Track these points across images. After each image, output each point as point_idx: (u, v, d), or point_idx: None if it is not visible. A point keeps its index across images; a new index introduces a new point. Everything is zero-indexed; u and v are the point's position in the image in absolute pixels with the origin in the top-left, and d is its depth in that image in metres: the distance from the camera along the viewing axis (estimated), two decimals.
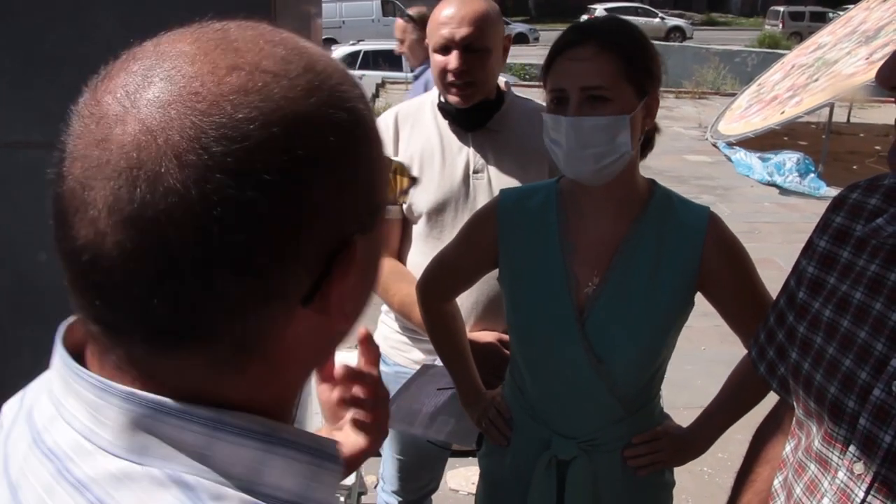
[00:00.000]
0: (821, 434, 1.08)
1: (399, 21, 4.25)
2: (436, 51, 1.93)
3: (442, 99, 2.03)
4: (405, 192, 0.66)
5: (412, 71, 4.39)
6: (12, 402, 0.61)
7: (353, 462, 0.91)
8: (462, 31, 1.87)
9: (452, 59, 1.88)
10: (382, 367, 2.20)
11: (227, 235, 0.46)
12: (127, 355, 0.50)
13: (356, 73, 13.43)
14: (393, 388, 2.09)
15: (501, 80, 2.10)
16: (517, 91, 2.15)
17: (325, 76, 0.51)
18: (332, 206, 0.50)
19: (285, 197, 0.47)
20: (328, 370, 0.90)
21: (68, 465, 0.50)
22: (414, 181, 0.68)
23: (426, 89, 4.09)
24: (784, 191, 8.98)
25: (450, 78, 1.90)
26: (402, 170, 0.66)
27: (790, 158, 9.50)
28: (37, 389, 0.58)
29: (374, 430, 0.90)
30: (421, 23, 4.13)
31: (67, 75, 1.49)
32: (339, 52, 14.25)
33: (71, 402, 0.51)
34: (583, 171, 1.45)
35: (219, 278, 0.46)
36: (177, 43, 0.50)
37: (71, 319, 0.55)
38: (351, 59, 13.73)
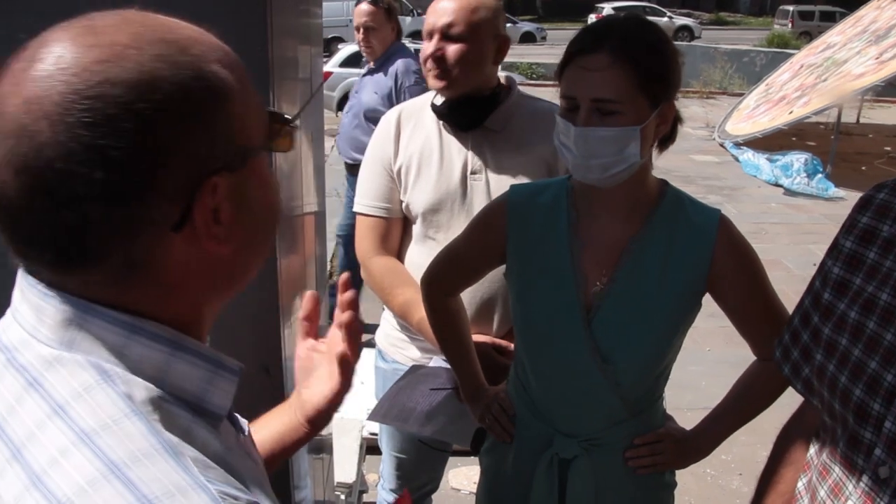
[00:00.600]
0: (846, 437, 1.07)
1: (364, 6, 3.96)
2: (424, 38, 1.99)
3: (437, 101, 2.04)
4: (287, 137, 0.76)
5: (371, 64, 4.11)
6: None
7: (324, 413, 1.02)
8: (444, 19, 1.93)
9: (430, 44, 1.95)
10: (380, 364, 2.21)
11: (90, 174, 0.58)
12: (43, 277, 0.64)
13: (361, 71, 13.42)
14: (389, 384, 2.09)
15: (503, 76, 2.09)
16: (523, 90, 2.14)
17: (174, 45, 0.63)
18: (183, 148, 0.61)
19: (134, 142, 0.58)
20: (311, 328, 1.05)
21: (15, 354, 0.64)
22: (293, 125, 0.76)
23: (397, 82, 3.99)
24: (791, 192, 8.95)
25: (428, 64, 1.96)
26: (278, 117, 0.74)
27: (798, 159, 9.48)
28: None
29: (342, 376, 1.01)
30: (389, 10, 4.01)
31: None
32: (345, 50, 14.20)
33: (23, 308, 0.65)
34: (589, 178, 1.45)
35: (91, 209, 0.59)
36: (53, 33, 0.63)
37: None
38: (356, 57, 13.66)
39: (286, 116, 0.78)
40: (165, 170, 0.60)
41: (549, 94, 2.06)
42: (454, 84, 1.95)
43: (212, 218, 0.64)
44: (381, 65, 4.05)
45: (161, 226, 0.62)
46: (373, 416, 2.05)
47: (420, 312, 1.86)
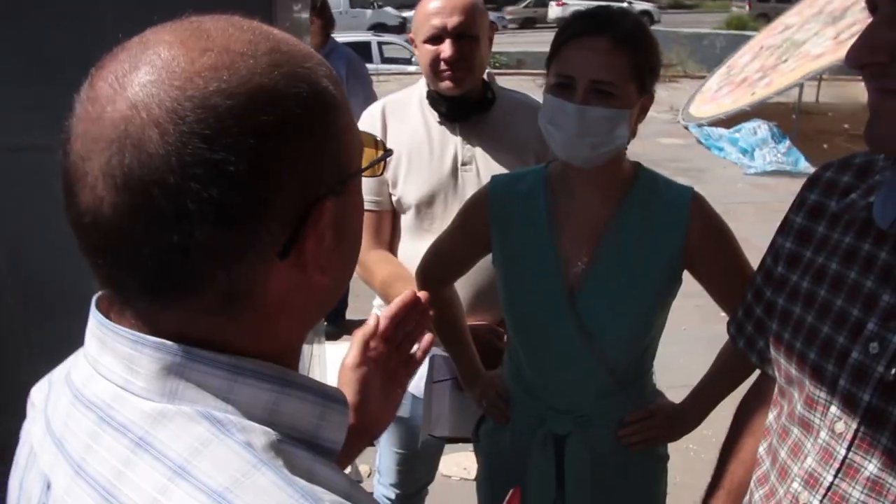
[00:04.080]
0: (803, 398, 1.13)
1: None
2: (426, 41, 1.96)
3: (429, 90, 2.05)
4: (380, 161, 0.71)
5: None
6: (41, 385, 0.69)
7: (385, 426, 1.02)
8: (454, 20, 1.91)
9: (446, 48, 1.93)
10: None
11: (203, 191, 0.52)
12: (137, 312, 0.58)
13: None
14: None
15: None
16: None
17: (289, 56, 0.58)
18: (298, 167, 0.56)
19: (252, 157, 0.53)
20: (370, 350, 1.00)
21: (109, 412, 0.57)
22: (387, 152, 0.73)
23: (345, 81, 3.99)
24: (764, 173, 9.05)
25: (442, 66, 1.94)
26: (373, 141, 0.71)
27: (758, 127, 9.67)
28: (64, 366, 0.67)
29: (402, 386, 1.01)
30: (322, 8, 3.97)
31: (71, 76, 1.49)
32: None
33: (107, 359, 0.58)
34: (577, 156, 1.50)
35: (198, 229, 0.53)
36: (158, 34, 0.57)
37: (100, 293, 0.63)
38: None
39: (382, 140, 0.73)
40: (280, 191, 0.55)
41: (512, 82, 2.12)
42: (467, 83, 1.96)
43: (320, 245, 0.59)
44: (327, 53, 4.05)
45: (267, 252, 0.56)
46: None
47: (401, 287, 1.86)
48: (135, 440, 0.55)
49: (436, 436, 2.12)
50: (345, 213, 0.62)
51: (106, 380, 0.58)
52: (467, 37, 1.93)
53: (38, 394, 0.69)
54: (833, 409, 1.07)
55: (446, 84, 1.96)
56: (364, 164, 0.68)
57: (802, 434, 1.14)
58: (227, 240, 0.54)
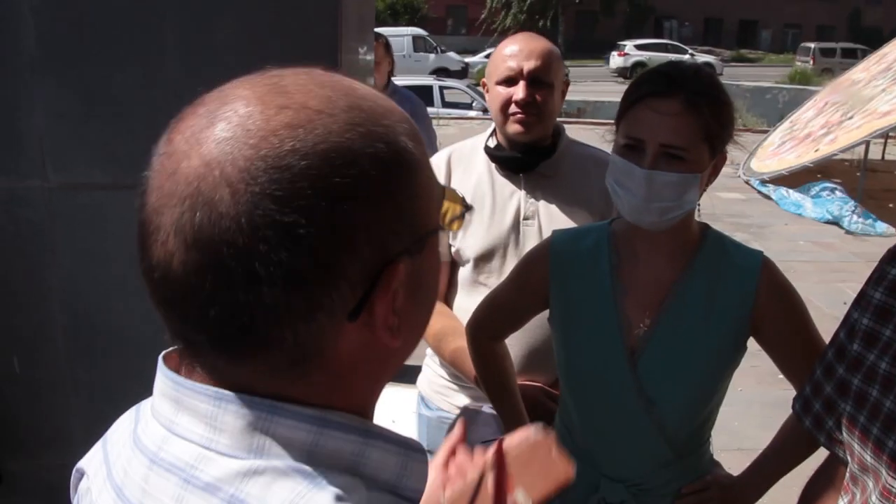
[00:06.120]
0: (878, 489, 1.07)
1: None
2: (499, 83, 1.94)
3: (491, 143, 2.03)
4: (459, 218, 0.68)
5: None
6: (92, 454, 0.67)
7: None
8: (530, 64, 1.90)
9: (519, 90, 1.91)
10: (424, 411, 2.18)
11: (273, 253, 0.51)
12: (205, 367, 0.57)
13: None
14: (434, 433, 2.08)
15: None
16: None
17: (368, 114, 0.57)
18: (372, 229, 0.55)
19: (324, 220, 0.52)
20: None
21: (194, 473, 0.55)
22: (468, 208, 0.70)
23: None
24: (851, 232, 8.93)
25: (513, 108, 1.92)
26: (455, 196, 0.68)
27: (834, 190, 9.59)
28: (118, 429, 0.66)
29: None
30: (387, 45, 4.02)
31: (131, 117, 1.51)
32: None
33: (184, 419, 0.57)
34: (645, 221, 1.46)
35: (266, 290, 0.52)
36: (236, 89, 0.57)
37: (167, 350, 0.62)
38: None
39: (461, 195, 0.70)
40: (352, 254, 0.54)
41: (572, 130, 2.09)
42: (536, 129, 1.93)
43: (391, 307, 0.57)
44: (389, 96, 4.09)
45: (336, 313, 0.55)
46: None
47: (454, 343, 1.85)
48: (226, 499, 0.54)
49: None
50: (419, 271, 0.61)
51: (185, 440, 0.57)
52: (541, 82, 1.91)
53: (91, 463, 0.67)
54: None
55: (515, 128, 1.93)
56: (443, 219, 0.66)
57: None
58: (296, 302, 0.53)
